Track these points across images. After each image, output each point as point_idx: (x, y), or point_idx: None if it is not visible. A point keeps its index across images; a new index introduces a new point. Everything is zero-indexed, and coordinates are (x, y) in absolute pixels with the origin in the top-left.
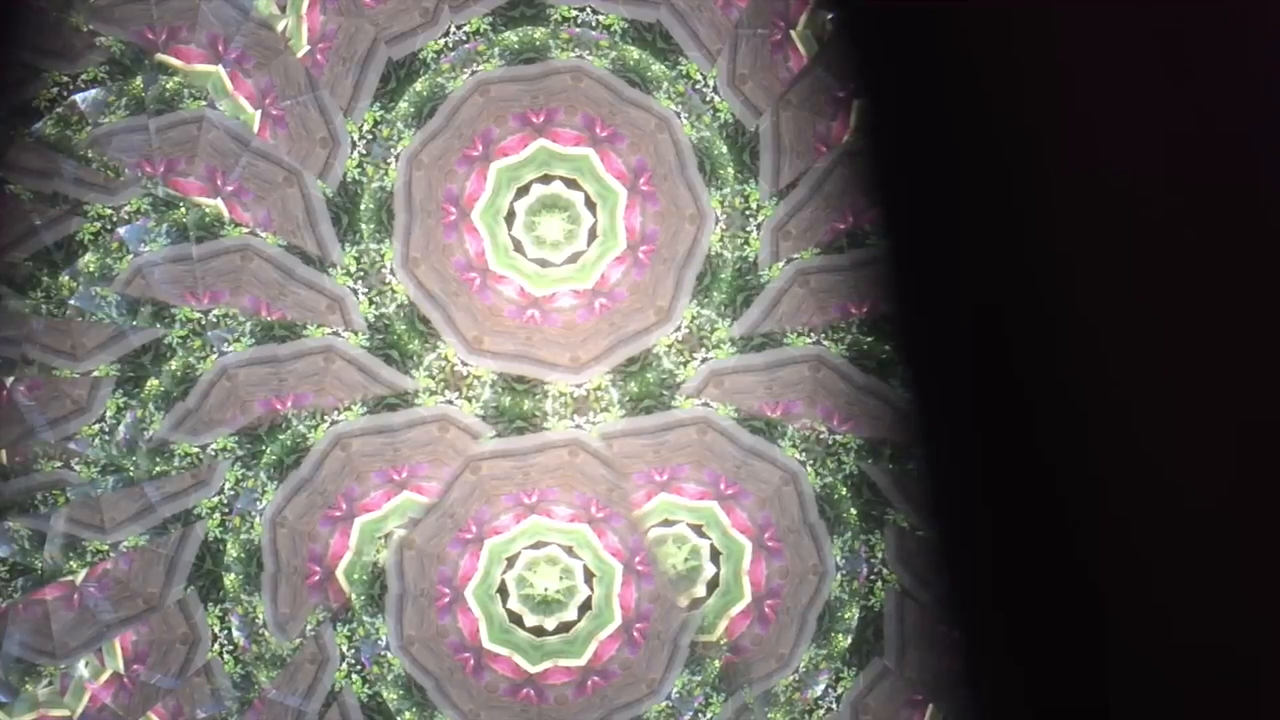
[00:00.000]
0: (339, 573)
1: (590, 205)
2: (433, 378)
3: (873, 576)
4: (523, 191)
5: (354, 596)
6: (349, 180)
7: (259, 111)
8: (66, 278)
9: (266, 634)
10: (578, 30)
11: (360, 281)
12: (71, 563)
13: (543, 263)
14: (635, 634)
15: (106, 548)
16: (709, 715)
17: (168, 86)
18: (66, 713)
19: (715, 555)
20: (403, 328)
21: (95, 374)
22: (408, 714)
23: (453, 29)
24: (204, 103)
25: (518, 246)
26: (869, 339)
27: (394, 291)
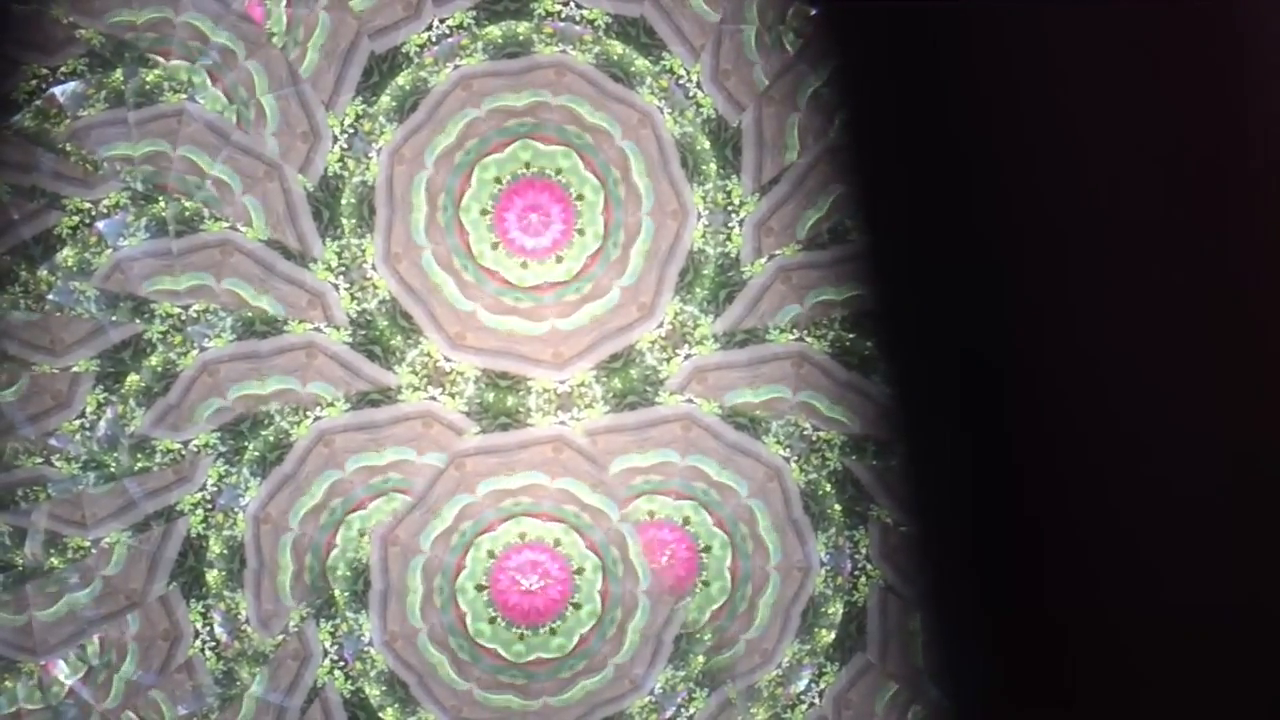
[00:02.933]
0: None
1: (573, 200)
2: (415, 374)
3: (856, 572)
4: (507, 188)
5: (338, 593)
6: (330, 175)
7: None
8: (45, 272)
9: (249, 630)
10: (561, 25)
11: (342, 277)
12: (53, 559)
13: (526, 259)
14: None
15: (88, 544)
16: (692, 710)
17: (147, 80)
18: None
19: (700, 550)
20: (385, 323)
21: (75, 369)
22: (390, 710)
23: (436, 23)
24: (184, 96)
25: (501, 242)
26: (851, 335)
27: (375, 287)
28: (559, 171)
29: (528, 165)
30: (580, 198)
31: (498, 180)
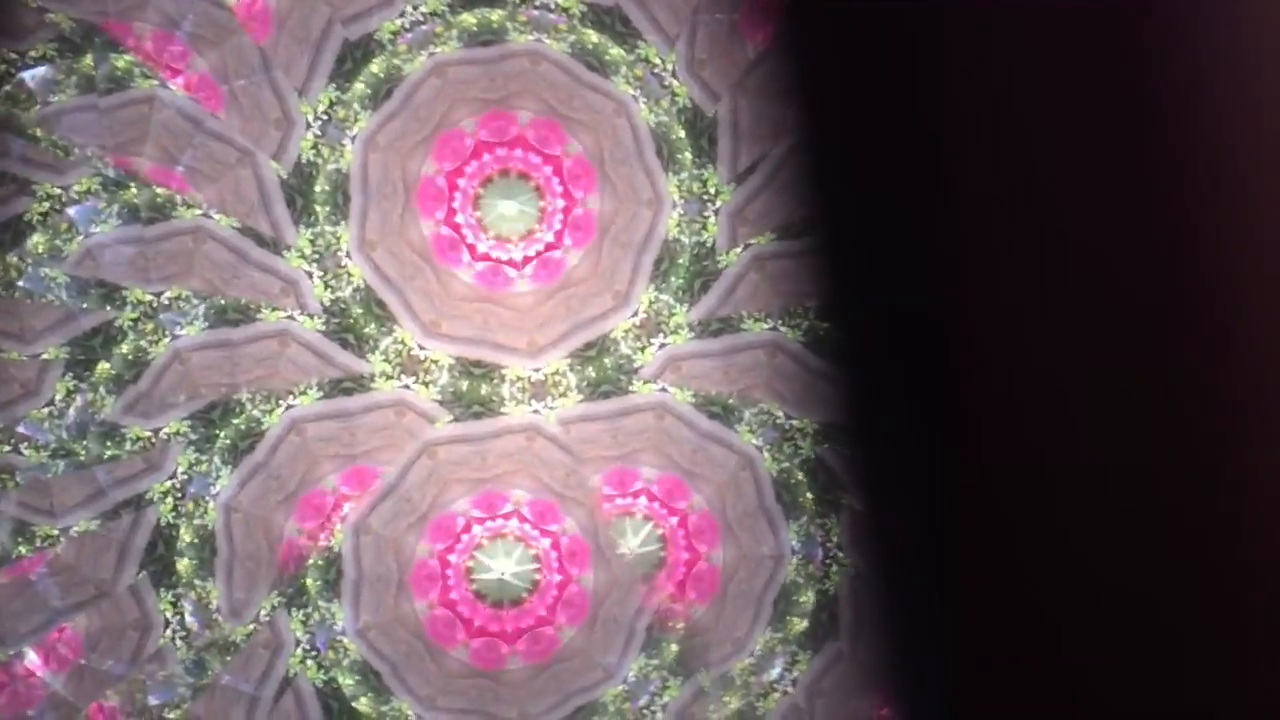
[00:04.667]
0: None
1: (547, 190)
2: (389, 362)
3: (828, 560)
4: (481, 176)
5: (310, 581)
6: (304, 162)
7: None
8: (15, 258)
9: (220, 619)
10: (536, 13)
11: (315, 264)
12: (21, 547)
13: (500, 248)
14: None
15: (56, 533)
16: (665, 698)
17: (118, 65)
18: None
19: (671, 539)
20: (359, 311)
21: (45, 357)
22: (363, 699)
23: (409, 10)
24: (155, 82)
25: (475, 232)
26: (825, 325)
27: (349, 275)
28: (534, 161)
29: (502, 153)
30: (554, 187)
31: (472, 168)
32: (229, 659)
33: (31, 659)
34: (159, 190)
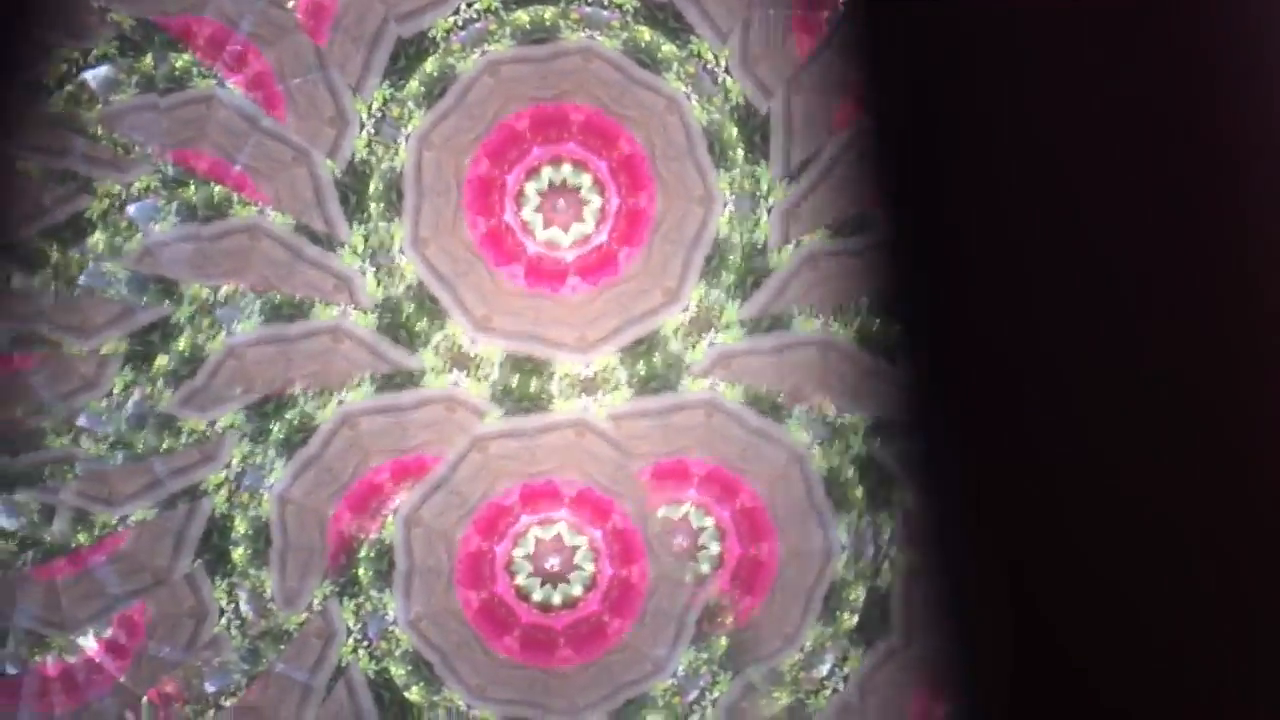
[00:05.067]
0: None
1: (599, 187)
2: (440, 357)
3: (880, 557)
4: (533, 173)
5: (362, 571)
6: (357, 160)
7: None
8: (76, 255)
9: (273, 608)
10: (588, 10)
11: (368, 261)
12: (80, 535)
13: (551, 244)
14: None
15: (115, 521)
16: (715, 693)
17: (177, 65)
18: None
19: (721, 534)
20: (411, 307)
21: (104, 350)
22: (415, 689)
23: (463, 7)
24: (214, 81)
25: (526, 228)
26: (876, 322)
27: (402, 271)
28: (586, 158)
29: (554, 150)
30: (605, 184)
31: (524, 166)
32: (283, 647)
33: (91, 645)
34: (216, 188)
